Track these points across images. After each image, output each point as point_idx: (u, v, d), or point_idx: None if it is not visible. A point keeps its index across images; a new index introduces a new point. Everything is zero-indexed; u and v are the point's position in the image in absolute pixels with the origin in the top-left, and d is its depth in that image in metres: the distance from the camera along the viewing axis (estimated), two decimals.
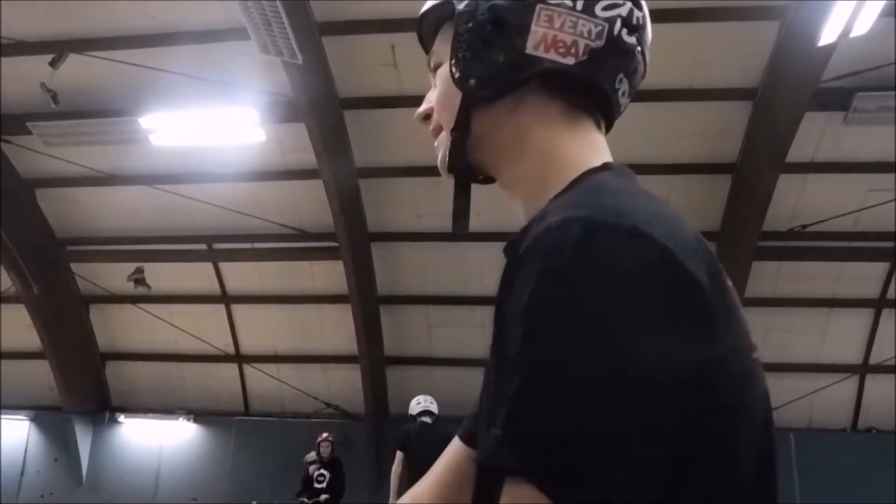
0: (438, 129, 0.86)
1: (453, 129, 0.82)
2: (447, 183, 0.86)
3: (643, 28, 0.81)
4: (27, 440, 9.84)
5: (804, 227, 7.32)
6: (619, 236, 0.60)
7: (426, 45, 0.91)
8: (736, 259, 7.43)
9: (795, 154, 6.77)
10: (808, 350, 8.25)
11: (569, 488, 0.54)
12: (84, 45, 6.58)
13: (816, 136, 6.82)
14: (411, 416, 6.44)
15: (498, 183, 0.86)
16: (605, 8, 0.78)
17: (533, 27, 0.77)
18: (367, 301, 8.32)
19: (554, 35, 0.77)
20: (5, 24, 6.45)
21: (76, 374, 9.44)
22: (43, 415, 9.77)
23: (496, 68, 0.78)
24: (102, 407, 9.80)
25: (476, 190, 0.88)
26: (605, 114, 0.83)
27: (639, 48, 0.80)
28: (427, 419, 6.30)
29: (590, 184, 0.72)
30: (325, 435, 7.59)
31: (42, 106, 7.00)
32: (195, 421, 9.50)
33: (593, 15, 0.77)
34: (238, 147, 7.16)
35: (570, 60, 0.77)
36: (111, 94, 7.02)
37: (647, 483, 0.56)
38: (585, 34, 0.77)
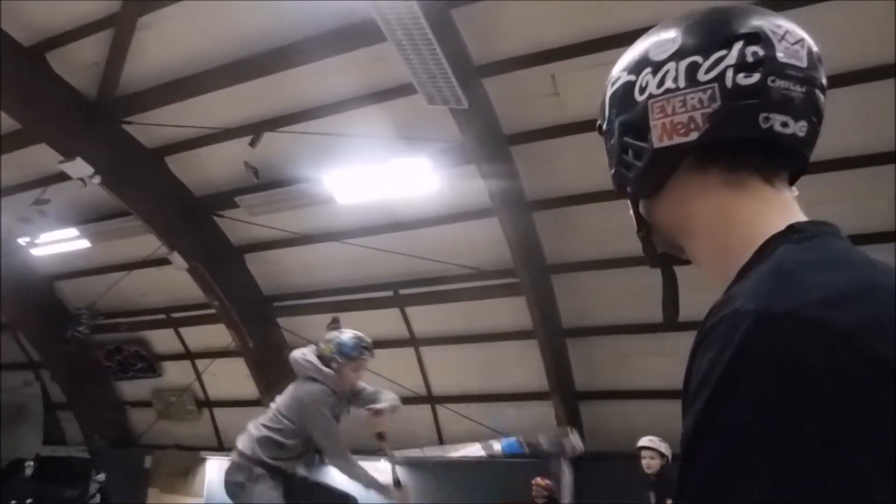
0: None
1: (637, 231, 0.92)
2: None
3: (768, 58, 0.77)
4: None
5: None
6: (791, 329, 0.59)
7: None
8: None
9: None
10: None
11: None
12: (273, 123, 7.24)
13: None
14: None
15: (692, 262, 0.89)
16: (709, 69, 0.78)
17: (652, 123, 0.82)
18: (552, 335, 8.06)
19: (670, 121, 0.80)
20: (209, 116, 7.33)
21: None
22: None
23: (640, 171, 0.85)
24: None
25: None
26: (780, 157, 0.80)
27: (771, 78, 0.77)
28: None
29: (770, 262, 0.69)
30: (546, 483, 7.47)
31: (243, 181, 7.86)
32: (398, 463, 9.81)
33: (697, 84, 0.79)
34: (415, 196, 7.38)
35: (694, 136, 0.79)
36: (299, 163, 7.61)
37: None
38: (697, 105, 0.78)
